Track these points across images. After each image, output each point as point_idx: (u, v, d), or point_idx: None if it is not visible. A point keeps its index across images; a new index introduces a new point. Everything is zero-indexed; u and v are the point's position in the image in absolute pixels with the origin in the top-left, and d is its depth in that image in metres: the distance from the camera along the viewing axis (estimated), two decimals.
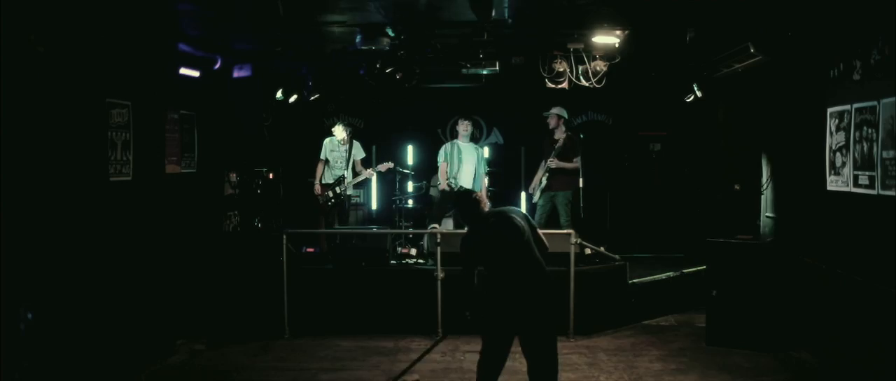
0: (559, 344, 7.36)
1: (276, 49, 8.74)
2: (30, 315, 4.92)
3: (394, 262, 8.36)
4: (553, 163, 9.28)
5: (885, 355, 5.28)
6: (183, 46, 7.64)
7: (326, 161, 9.89)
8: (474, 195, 5.56)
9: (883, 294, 5.34)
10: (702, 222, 10.64)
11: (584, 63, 8.34)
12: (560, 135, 9.38)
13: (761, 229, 8.83)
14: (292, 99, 10.00)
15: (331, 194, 9.78)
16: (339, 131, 9.80)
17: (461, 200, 5.61)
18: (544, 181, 9.46)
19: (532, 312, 5.16)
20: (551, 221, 9.47)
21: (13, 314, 4.80)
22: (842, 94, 6.24)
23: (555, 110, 9.48)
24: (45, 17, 5.10)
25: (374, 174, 10.15)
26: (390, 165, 9.85)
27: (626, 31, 7.51)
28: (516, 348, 7.27)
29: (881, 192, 5.50)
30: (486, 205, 5.61)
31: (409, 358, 6.95)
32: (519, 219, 5.30)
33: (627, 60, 8.59)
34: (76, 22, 5.61)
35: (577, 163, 9.19)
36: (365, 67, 8.93)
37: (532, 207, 9.77)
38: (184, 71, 7.92)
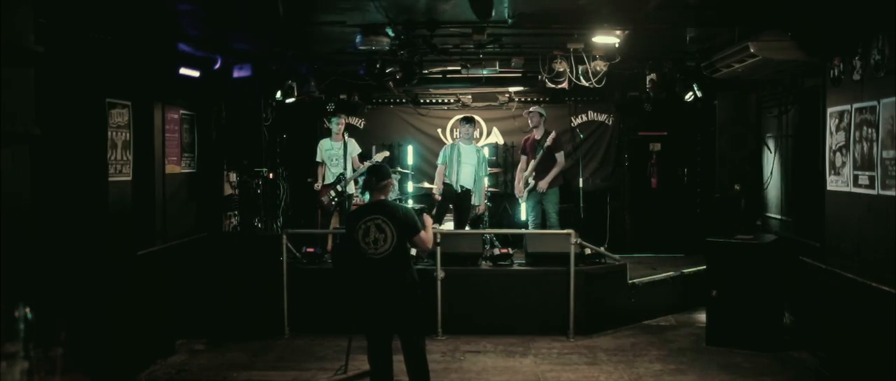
0: (559, 344, 7.49)
1: (275, 49, 8.73)
2: (28, 315, 4.91)
3: None
4: (543, 185, 9.41)
5: (886, 355, 5.28)
6: (183, 46, 7.64)
7: (324, 163, 9.90)
8: (385, 178, 5.45)
9: (883, 294, 5.34)
10: (702, 222, 10.64)
11: (584, 63, 8.32)
12: (540, 133, 9.59)
13: (762, 229, 8.83)
14: (292, 99, 9.99)
15: (333, 193, 9.77)
16: (335, 126, 9.83)
17: (371, 172, 5.54)
18: (530, 181, 9.53)
19: (387, 310, 5.20)
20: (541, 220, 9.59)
21: (12, 314, 4.80)
22: (842, 94, 6.24)
23: (534, 109, 9.78)
24: (45, 17, 5.09)
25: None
26: (386, 153, 9.91)
27: (626, 31, 7.49)
28: (525, 349, 7.24)
29: (881, 192, 5.50)
30: (388, 193, 5.52)
31: None
32: (387, 221, 5.21)
33: (628, 60, 8.59)
34: (76, 22, 5.62)
35: (560, 159, 9.48)
36: (365, 66, 8.91)
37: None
38: (184, 71, 7.92)
